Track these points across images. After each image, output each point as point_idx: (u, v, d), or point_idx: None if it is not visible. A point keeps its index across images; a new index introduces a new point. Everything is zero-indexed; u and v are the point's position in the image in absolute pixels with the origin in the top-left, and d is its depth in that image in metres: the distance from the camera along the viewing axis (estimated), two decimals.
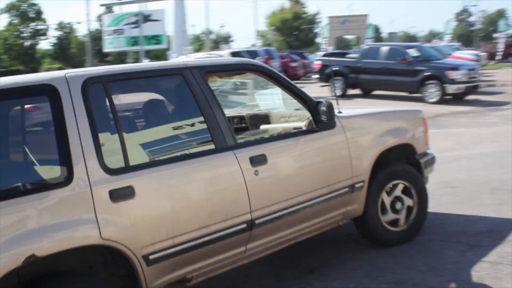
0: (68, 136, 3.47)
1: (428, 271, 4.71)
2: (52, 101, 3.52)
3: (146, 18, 40.21)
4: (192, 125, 4.31)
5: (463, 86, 17.95)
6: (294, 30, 57.02)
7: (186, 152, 4.11)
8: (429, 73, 18.33)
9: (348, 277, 4.76)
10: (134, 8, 42.90)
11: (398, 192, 5.37)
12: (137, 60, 41.49)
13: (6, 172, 3.34)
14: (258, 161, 4.28)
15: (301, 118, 5.11)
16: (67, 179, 3.40)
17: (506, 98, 19.33)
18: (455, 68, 18.31)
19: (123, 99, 4.19)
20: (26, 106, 3.76)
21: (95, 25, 61.64)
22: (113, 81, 3.88)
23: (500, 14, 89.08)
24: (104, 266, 3.76)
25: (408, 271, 4.75)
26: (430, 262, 4.89)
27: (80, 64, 57.05)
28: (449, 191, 7.12)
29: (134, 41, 41.25)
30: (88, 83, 3.69)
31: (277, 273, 5.02)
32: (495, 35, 53.32)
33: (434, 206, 6.41)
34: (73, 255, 3.50)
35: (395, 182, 5.35)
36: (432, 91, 18.20)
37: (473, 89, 18.80)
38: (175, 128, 4.31)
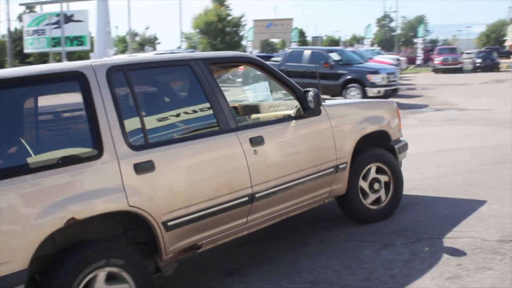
0: (97, 115, 3.98)
1: (344, 270, 4.80)
2: (82, 85, 4.03)
3: (68, 18, 39.25)
4: (199, 109, 4.82)
5: (383, 89, 18.48)
6: (219, 33, 57.01)
7: (195, 132, 4.64)
8: (350, 77, 18.77)
9: (266, 278, 4.80)
10: (56, 8, 41.77)
11: (376, 174, 6.03)
12: (60, 61, 40.38)
13: (46, 146, 3.94)
14: (256, 141, 4.84)
15: (289, 107, 5.71)
16: (98, 153, 3.90)
17: (424, 101, 20.09)
18: (375, 72, 18.84)
19: (140, 85, 4.70)
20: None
21: (15, 25, 59.55)
22: (131, 70, 4.42)
23: (420, 20, 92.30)
24: (124, 234, 4.26)
25: (324, 271, 4.83)
26: (346, 261, 5.00)
27: (0, 66, 54.93)
28: None
29: (56, 42, 40.17)
30: (111, 71, 4.21)
31: (196, 276, 5.01)
32: (415, 40, 55.16)
33: None
34: (99, 224, 4.02)
35: (374, 164, 6.01)
36: (354, 94, 18.62)
37: (393, 92, 19.38)
38: (185, 111, 4.79)
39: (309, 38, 71.79)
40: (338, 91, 19.04)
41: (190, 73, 4.80)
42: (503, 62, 46.66)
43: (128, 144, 4.06)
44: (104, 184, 3.87)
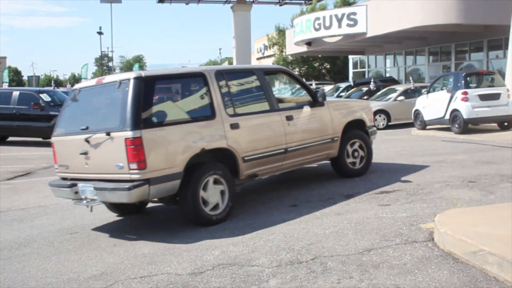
0: (212, 96, 7.45)
1: None
2: (205, 80, 7.51)
3: None
4: (260, 97, 8.32)
5: None
6: None
7: (258, 110, 8.16)
8: None
9: None
10: None
11: (356, 146, 9.77)
12: None
13: (192, 111, 7.36)
14: (289, 118, 8.44)
15: (304, 100, 9.29)
16: (213, 116, 7.37)
17: None
18: None
19: (230, 81, 7.94)
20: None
21: None
22: (226, 73, 7.92)
23: (137, 59, 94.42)
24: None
25: None
26: None
27: None
28: (69, 237, 7.14)
29: None
30: (217, 73, 7.70)
31: None
32: None
33: (52, 254, 6.38)
34: (205, 156, 7.24)
35: (355, 140, 9.73)
36: None
37: None
38: (252, 98, 8.35)
39: (25, 78, 68.49)
40: (49, 133, 18.35)
41: (255, 77, 8.35)
42: None
43: (226, 113, 7.53)
44: (216, 133, 7.33)
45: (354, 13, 28.59)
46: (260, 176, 8.15)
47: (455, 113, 17.29)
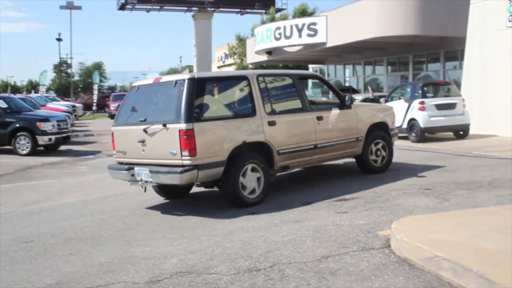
0: (253, 96, 8.65)
1: None
2: (247, 82, 8.71)
3: None
4: (294, 99, 9.49)
5: (53, 137, 18.10)
6: None
7: (292, 109, 9.36)
8: (19, 125, 17.98)
9: None
10: None
11: (379, 146, 10.75)
12: None
13: (236, 108, 8.74)
14: (319, 118, 9.52)
15: (334, 103, 10.37)
16: (253, 113, 8.57)
17: (98, 147, 20.22)
18: (46, 119, 18.36)
19: (269, 84, 9.15)
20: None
21: None
22: (264, 76, 9.11)
23: (97, 66, 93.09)
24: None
25: None
26: None
27: None
28: (24, 246, 6.97)
29: None
30: (258, 76, 8.92)
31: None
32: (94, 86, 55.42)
33: (6, 264, 6.23)
34: (245, 148, 8.35)
35: (378, 140, 10.72)
36: (24, 143, 17.89)
37: (65, 140, 19.13)
38: (287, 99, 9.55)
39: None
40: (7, 140, 18.08)
41: (290, 81, 9.51)
42: None
43: (265, 111, 8.65)
44: (255, 128, 8.47)
45: (314, 23, 28.85)
46: (292, 168, 9.49)
47: (412, 122, 17.59)
